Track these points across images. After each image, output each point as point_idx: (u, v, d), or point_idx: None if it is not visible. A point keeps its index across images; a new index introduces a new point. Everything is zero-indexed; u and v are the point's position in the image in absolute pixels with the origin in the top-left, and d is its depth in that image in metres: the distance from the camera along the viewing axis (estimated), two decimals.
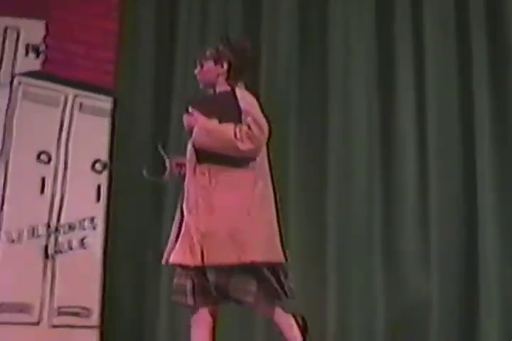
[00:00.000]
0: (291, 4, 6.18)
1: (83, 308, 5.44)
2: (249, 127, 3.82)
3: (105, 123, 5.71)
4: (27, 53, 5.57)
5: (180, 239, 3.92)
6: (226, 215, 3.84)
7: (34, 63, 5.56)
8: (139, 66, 6.00)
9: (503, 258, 5.84)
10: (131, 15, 5.97)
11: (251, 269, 3.84)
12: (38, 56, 5.58)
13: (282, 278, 3.96)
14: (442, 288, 5.76)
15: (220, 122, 3.85)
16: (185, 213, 3.90)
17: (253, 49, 4.59)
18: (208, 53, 4.11)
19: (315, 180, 5.98)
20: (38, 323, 5.33)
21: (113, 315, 5.55)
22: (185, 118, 3.98)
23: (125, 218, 5.70)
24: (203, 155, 3.89)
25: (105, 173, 5.64)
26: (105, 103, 5.72)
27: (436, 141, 5.99)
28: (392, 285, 5.83)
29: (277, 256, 3.94)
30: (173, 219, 4.10)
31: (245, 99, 3.98)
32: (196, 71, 4.12)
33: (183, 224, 3.91)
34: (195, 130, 3.90)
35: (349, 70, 6.13)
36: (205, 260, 3.79)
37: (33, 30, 5.59)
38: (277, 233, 3.99)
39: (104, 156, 5.65)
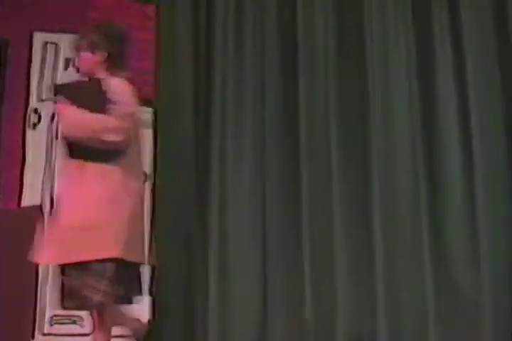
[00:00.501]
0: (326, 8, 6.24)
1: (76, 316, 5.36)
2: (117, 118, 3.76)
3: (149, 134, 5.71)
4: (66, 67, 5.62)
5: (46, 236, 3.92)
6: (86, 212, 3.79)
7: (74, 77, 5.39)
8: (178, 76, 6.00)
9: None
10: (168, 25, 5.99)
11: (105, 266, 3.80)
12: (78, 70, 5.45)
13: (137, 279, 4.04)
14: (493, 284, 5.75)
15: (90, 111, 3.78)
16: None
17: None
18: (83, 43, 4.05)
19: (359, 184, 6.03)
20: (89, 334, 5.21)
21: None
22: (54, 106, 3.91)
23: (169, 226, 5.73)
24: (74, 149, 3.85)
25: (148, 184, 5.61)
26: (146, 114, 5.69)
27: (481, 142, 5.99)
28: (442, 282, 5.83)
29: (137, 256, 3.93)
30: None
31: (116, 88, 3.92)
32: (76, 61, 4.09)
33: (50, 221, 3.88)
34: (61, 120, 3.82)
35: (389, 68, 6.13)
36: (62, 257, 3.80)
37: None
38: (143, 233, 4.03)
39: (146, 168, 5.55)
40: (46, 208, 5.34)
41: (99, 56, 4.02)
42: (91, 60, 4.04)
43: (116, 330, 4.28)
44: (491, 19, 6.18)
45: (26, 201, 5.36)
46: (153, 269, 5.26)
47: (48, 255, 3.86)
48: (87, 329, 5.25)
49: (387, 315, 5.71)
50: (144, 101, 5.54)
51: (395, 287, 5.78)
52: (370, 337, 5.73)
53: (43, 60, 5.55)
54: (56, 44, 5.58)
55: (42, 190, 5.38)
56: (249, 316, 5.70)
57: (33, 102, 5.46)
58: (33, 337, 5.18)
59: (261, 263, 5.80)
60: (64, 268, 3.89)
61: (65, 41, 5.47)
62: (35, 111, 5.43)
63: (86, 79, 4.20)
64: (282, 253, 5.83)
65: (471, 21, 6.18)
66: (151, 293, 5.41)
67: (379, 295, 5.73)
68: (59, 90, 4.11)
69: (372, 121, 5.96)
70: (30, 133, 5.41)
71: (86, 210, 3.77)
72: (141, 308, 5.18)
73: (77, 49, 4.11)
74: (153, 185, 5.66)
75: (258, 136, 5.99)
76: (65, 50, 5.50)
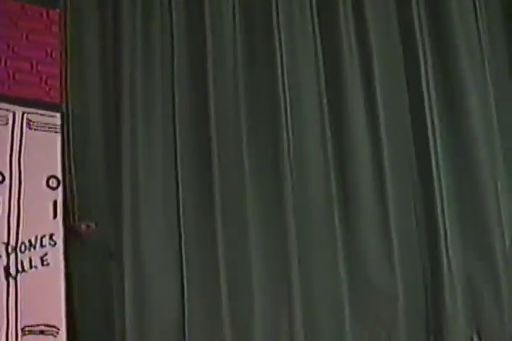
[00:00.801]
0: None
1: (49, 326, 5.31)
2: None
3: (56, 139, 5.61)
4: None
5: None
6: None
7: None
8: (85, 79, 5.99)
9: (464, 249, 6.07)
10: (73, 28, 5.92)
11: None
12: None
13: None
14: (407, 281, 5.97)
15: None
16: None
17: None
18: None
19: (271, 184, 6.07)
20: None
21: (79, 331, 5.51)
22: None
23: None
24: None
25: (60, 189, 5.55)
26: (54, 119, 5.62)
27: (389, 142, 6.22)
28: (357, 281, 5.98)
29: None
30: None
31: None
32: None
33: None
34: None
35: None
36: None
37: None
38: None
39: (58, 172, 5.56)
40: None
41: None
42: None
43: None
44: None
45: None
46: None
47: None
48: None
49: (304, 315, 5.78)
50: (52, 106, 5.60)
51: (311, 287, 5.88)
52: (287, 337, 5.80)
53: None
54: None
55: None
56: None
57: None
58: None
59: (178, 264, 5.83)
60: None
61: None
62: None
63: None
64: (199, 254, 5.88)
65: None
66: None
67: (295, 295, 5.80)
68: None
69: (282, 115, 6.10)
70: None
71: None
72: None
73: None
74: (64, 189, 5.58)
75: (169, 135, 6.01)
76: None
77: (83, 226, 5.47)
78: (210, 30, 6.19)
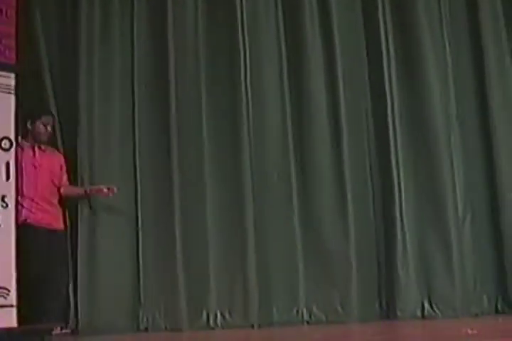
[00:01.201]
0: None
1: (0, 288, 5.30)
2: None
3: (10, 100, 5.41)
4: None
5: None
6: None
7: None
8: (40, 40, 5.98)
9: (418, 216, 6.16)
10: None
11: None
12: None
13: None
14: (361, 249, 6.05)
15: None
16: None
17: None
18: None
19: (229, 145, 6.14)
20: None
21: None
22: None
23: None
24: None
25: (13, 150, 5.39)
26: (9, 79, 5.42)
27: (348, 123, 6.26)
28: (311, 247, 6.06)
29: None
30: None
31: None
32: None
33: None
34: None
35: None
36: None
37: None
38: None
39: (11, 134, 5.38)
40: None
41: None
42: None
43: None
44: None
45: None
46: None
47: None
48: None
49: (258, 277, 5.89)
50: (7, 66, 5.49)
51: (265, 250, 5.98)
52: (241, 297, 5.87)
53: None
54: None
55: None
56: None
57: None
58: None
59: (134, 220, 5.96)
60: None
61: None
62: None
63: None
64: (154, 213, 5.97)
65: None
66: None
67: (250, 258, 5.90)
68: None
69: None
70: None
71: None
72: None
73: None
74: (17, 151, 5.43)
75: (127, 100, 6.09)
76: None
77: (105, 190, 5.60)
78: None
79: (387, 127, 6.22)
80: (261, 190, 6.03)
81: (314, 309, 5.91)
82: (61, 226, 5.74)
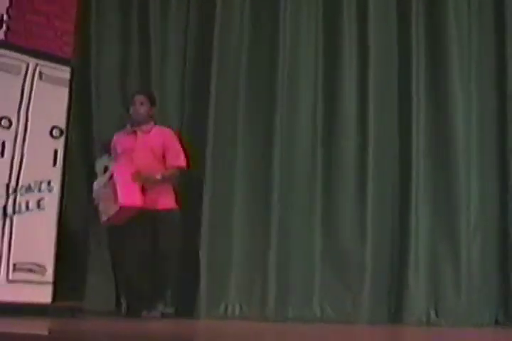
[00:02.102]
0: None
1: (38, 265, 5.62)
2: None
3: (64, 92, 5.85)
4: None
5: None
6: None
7: None
8: (98, 37, 6.33)
9: (432, 227, 6.35)
10: None
11: None
12: (1, 26, 5.63)
13: None
14: (376, 256, 6.28)
15: None
16: None
17: None
18: None
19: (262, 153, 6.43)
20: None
21: (65, 272, 5.82)
22: None
23: (79, 182, 6.09)
24: None
25: (62, 139, 5.81)
26: (64, 73, 5.87)
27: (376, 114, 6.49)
28: (330, 249, 6.34)
29: None
30: None
31: None
32: None
33: None
34: None
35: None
36: None
37: None
38: None
39: (61, 123, 5.81)
40: None
41: None
42: None
43: None
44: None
45: None
46: None
47: None
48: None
49: (277, 279, 6.17)
50: (64, 61, 5.85)
51: (287, 252, 6.26)
52: (260, 289, 6.18)
53: None
54: None
55: None
56: None
57: None
58: None
59: None
60: None
61: None
62: None
63: None
64: None
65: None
66: None
67: (271, 253, 6.19)
68: None
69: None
70: None
71: None
72: None
73: None
74: (66, 140, 5.85)
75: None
76: None
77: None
78: None
79: (410, 141, 6.44)
80: (287, 194, 6.31)
81: (327, 308, 6.16)
82: (169, 205, 5.81)
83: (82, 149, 6.25)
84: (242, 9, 6.62)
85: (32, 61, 5.73)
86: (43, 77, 5.78)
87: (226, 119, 6.42)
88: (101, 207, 5.65)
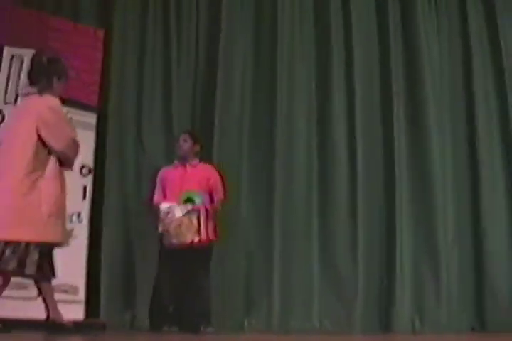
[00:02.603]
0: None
1: (72, 286, 6.17)
2: None
3: (91, 136, 6.47)
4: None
5: None
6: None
7: None
8: (121, 88, 6.94)
9: (414, 245, 7.01)
10: (115, 45, 6.90)
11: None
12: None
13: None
14: (366, 274, 6.91)
15: None
16: None
17: None
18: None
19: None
20: (35, 298, 5.56)
21: (95, 292, 6.45)
22: None
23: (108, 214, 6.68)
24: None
25: (90, 177, 6.44)
26: (91, 118, 6.49)
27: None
28: (326, 271, 6.94)
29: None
30: None
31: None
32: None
33: None
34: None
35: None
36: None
37: None
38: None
39: (90, 163, 6.44)
40: None
41: None
42: None
43: None
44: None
45: None
46: None
47: None
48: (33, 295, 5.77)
49: (281, 297, 6.80)
50: (90, 108, 6.50)
51: (288, 276, 6.87)
52: (266, 304, 6.79)
53: (9, 70, 6.17)
54: (21, 58, 6.18)
55: None
56: None
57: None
58: None
59: None
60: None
61: (28, 55, 5.95)
62: (1, 112, 6.05)
63: None
64: None
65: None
66: None
67: (275, 284, 6.84)
68: None
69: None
70: None
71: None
72: None
73: None
74: (94, 177, 6.49)
75: None
76: (28, 63, 5.93)
77: None
78: None
79: (393, 174, 7.13)
80: (288, 226, 6.92)
81: (325, 320, 6.76)
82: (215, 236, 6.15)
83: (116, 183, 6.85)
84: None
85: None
86: (73, 122, 6.11)
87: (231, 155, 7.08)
88: (173, 231, 6.03)
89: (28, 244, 4.75)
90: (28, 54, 6.12)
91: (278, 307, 6.76)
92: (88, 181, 6.47)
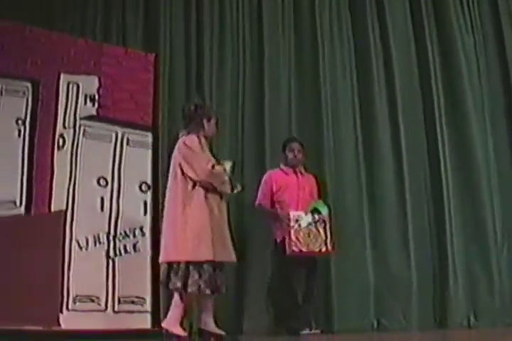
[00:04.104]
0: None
1: (138, 297, 6.37)
2: None
3: (147, 154, 6.70)
4: (85, 102, 6.40)
5: None
6: None
7: (91, 109, 6.41)
8: (172, 107, 7.07)
9: (465, 245, 7.03)
10: (164, 67, 7.11)
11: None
12: (93, 104, 6.42)
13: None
14: (420, 272, 6.93)
15: None
16: None
17: None
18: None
19: None
20: (104, 310, 6.19)
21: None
22: None
23: None
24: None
25: (150, 192, 6.63)
26: (147, 138, 6.70)
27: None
28: (380, 270, 7.01)
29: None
30: None
31: None
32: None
33: None
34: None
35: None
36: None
37: (89, 84, 6.45)
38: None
39: (148, 179, 6.65)
40: None
41: None
42: None
43: None
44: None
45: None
46: None
47: None
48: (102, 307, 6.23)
49: (338, 290, 6.88)
50: (145, 128, 6.69)
51: (345, 271, 6.93)
52: (324, 306, 6.85)
53: (67, 96, 6.36)
54: (77, 84, 6.40)
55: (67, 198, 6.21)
56: None
57: (60, 129, 6.27)
58: (61, 311, 6.01)
59: None
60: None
61: (83, 81, 6.43)
62: (61, 135, 6.26)
63: None
64: None
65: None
66: None
67: (332, 277, 6.91)
68: None
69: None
70: (57, 154, 6.21)
71: None
72: None
73: None
74: (154, 194, 6.66)
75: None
76: (84, 89, 6.43)
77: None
78: None
79: (440, 178, 7.21)
80: (341, 229, 6.80)
81: (382, 319, 6.83)
82: None
83: None
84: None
85: (120, 130, 6.52)
86: (130, 142, 6.58)
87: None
88: (302, 239, 6.17)
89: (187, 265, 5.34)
90: (83, 80, 6.49)
91: (336, 307, 6.86)
92: (148, 197, 6.66)
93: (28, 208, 6.05)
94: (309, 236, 6.16)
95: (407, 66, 7.58)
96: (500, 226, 7.10)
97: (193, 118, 5.61)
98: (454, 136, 7.35)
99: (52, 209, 6.18)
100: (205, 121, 5.60)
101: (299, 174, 6.55)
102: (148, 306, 6.48)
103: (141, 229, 6.58)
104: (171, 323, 5.47)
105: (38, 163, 6.17)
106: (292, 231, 6.15)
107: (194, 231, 5.31)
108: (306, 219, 6.21)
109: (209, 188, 5.42)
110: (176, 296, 5.48)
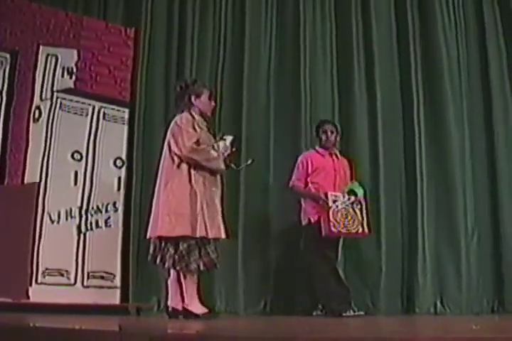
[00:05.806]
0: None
1: (108, 273, 6.30)
2: None
3: (123, 129, 6.60)
4: (63, 75, 6.32)
5: None
6: None
7: (69, 82, 6.33)
8: (150, 83, 6.99)
9: (436, 234, 7.01)
10: (144, 43, 6.96)
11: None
12: (71, 77, 6.35)
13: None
14: (389, 260, 6.93)
15: None
16: None
17: None
18: None
19: None
20: (73, 284, 6.13)
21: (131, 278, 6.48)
22: None
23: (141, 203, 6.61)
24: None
25: (124, 168, 6.54)
26: (123, 113, 6.60)
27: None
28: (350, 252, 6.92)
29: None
30: None
31: None
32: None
33: None
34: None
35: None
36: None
37: (67, 56, 6.37)
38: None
39: (123, 155, 6.56)
40: None
41: None
42: None
43: None
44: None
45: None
46: None
47: None
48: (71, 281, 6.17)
49: None
50: (123, 103, 6.59)
51: None
52: None
53: (45, 68, 6.28)
54: (56, 56, 6.32)
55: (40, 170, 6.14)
56: None
57: (37, 101, 6.19)
58: (30, 284, 5.95)
59: None
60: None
61: (62, 54, 6.34)
62: (38, 107, 6.18)
63: None
64: None
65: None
66: None
67: None
68: None
69: None
70: (32, 126, 6.14)
71: None
72: None
73: None
74: (129, 169, 6.60)
75: None
76: (62, 61, 6.35)
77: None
78: None
79: (414, 165, 7.18)
80: None
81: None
82: None
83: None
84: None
85: (97, 104, 6.44)
86: (106, 117, 6.49)
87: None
88: (341, 220, 6.09)
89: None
90: (62, 53, 6.40)
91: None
92: (122, 173, 6.58)
93: (1, 179, 6.00)
94: (347, 217, 6.10)
95: (389, 59, 7.54)
96: (472, 216, 7.10)
97: (182, 97, 5.46)
98: (430, 127, 7.33)
99: (26, 181, 6.12)
100: (193, 98, 5.40)
101: (334, 157, 6.48)
102: (117, 282, 6.41)
103: (114, 204, 6.50)
104: (190, 303, 5.23)
105: (13, 134, 6.12)
106: (331, 212, 6.08)
107: (172, 207, 5.15)
108: (343, 200, 6.15)
109: (196, 165, 5.25)
110: (172, 274, 5.30)
